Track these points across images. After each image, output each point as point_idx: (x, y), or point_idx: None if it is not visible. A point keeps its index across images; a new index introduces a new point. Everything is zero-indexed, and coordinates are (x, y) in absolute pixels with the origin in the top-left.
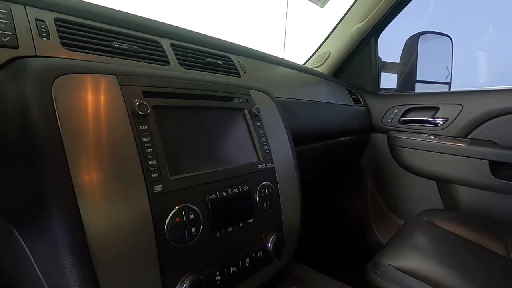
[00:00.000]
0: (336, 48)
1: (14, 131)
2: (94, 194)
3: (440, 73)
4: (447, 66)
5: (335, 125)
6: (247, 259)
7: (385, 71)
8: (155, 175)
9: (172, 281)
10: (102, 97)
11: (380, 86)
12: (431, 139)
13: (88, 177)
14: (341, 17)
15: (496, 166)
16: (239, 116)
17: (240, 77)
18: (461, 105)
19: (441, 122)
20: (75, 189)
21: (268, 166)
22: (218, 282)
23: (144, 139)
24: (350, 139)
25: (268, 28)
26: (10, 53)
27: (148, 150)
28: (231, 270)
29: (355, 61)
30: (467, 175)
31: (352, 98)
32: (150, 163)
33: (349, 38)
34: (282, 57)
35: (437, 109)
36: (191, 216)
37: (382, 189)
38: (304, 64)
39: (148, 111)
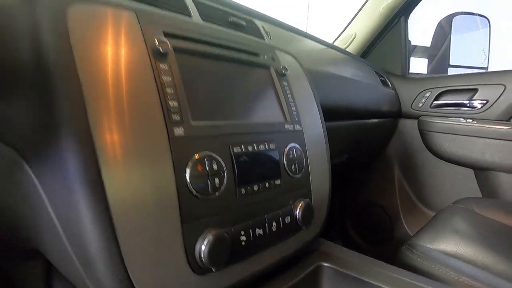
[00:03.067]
0: (363, 29)
1: (26, 55)
2: (110, 126)
3: (476, 57)
4: (483, 50)
5: (364, 104)
6: (274, 223)
7: (414, 56)
8: (176, 118)
9: (193, 234)
10: (119, 31)
11: (410, 72)
12: (469, 122)
13: (104, 107)
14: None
15: None
16: (264, 73)
17: (264, 40)
18: (504, 85)
19: (480, 105)
20: (89, 118)
21: (296, 128)
22: (243, 244)
23: (164, 78)
24: (378, 123)
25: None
26: None
27: (169, 90)
28: (257, 233)
29: (383, 42)
30: (510, 161)
31: (381, 80)
32: (170, 103)
33: (377, 17)
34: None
35: (475, 90)
36: (215, 167)
37: (411, 178)
38: (334, 41)
39: (168, 49)
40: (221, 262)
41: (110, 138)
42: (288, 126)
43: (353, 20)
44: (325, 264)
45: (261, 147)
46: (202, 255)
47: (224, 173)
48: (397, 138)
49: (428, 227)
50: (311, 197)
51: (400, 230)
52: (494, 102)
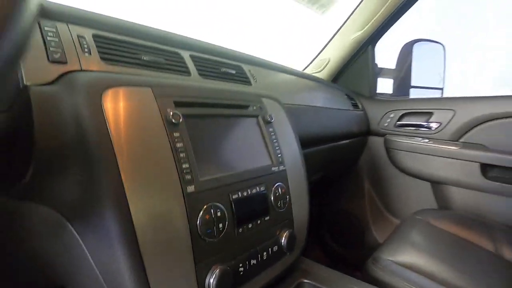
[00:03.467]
0: (336, 55)
1: (72, 138)
2: (140, 192)
3: (433, 79)
4: (439, 72)
5: (336, 129)
6: (264, 253)
7: (381, 77)
8: (188, 177)
9: (203, 271)
10: (141, 108)
11: (377, 91)
12: (426, 142)
13: (135, 177)
14: (340, 25)
15: (486, 168)
16: (254, 123)
17: (251, 85)
18: (453, 110)
19: (435, 126)
20: (125, 187)
21: (280, 169)
22: (241, 273)
23: (178, 145)
24: (350, 142)
25: (268, 34)
26: (61, 68)
27: (181, 155)
28: (252, 263)
29: (353, 67)
30: (459, 177)
31: (351, 103)
32: (183, 166)
33: (348, 46)
34: (284, 64)
35: (431, 114)
36: (218, 214)
37: (379, 190)
38: (304, 69)
39: (180, 120)
40: None
41: (141, 202)
42: (274, 168)
43: (327, 47)
44: (306, 281)
45: (254, 190)
46: (211, 286)
47: (226, 218)
48: (366, 154)
49: (390, 240)
50: (293, 226)
51: (369, 235)
52: (446, 125)
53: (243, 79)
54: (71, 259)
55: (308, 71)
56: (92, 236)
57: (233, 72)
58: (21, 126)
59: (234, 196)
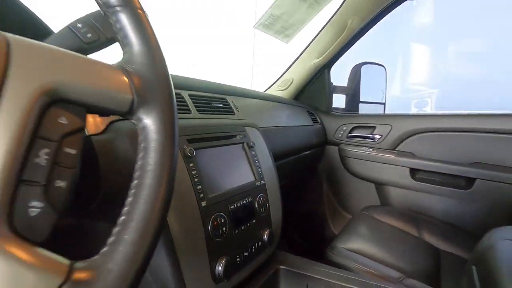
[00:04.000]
0: (298, 76)
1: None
2: (173, 209)
3: (377, 95)
4: (382, 90)
5: (300, 143)
6: (253, 247)
7: (336, 93)
8: (201, 195)
9: (214, 262)
10: None
11: (333, 106)
12: (370, 151)
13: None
14: (301, 50)
15: (414, 172)
16: (240, 148)
17: (234, 114)
18: (391, 125)
19: (377, 138)
20: (168, 219)
21: (261, 183)
22: (238, 263)
23: (193, 172)
24: (310, 152)
25: (238, 58)
26: (108, 119)
27: (196, 180)
28: (244, 254)
29: (313, 86)
30: (394, 179)
31: (311, 118)
32: (198, 187)
33: (308, 69)
34: (257, 90)
35: (374, 127)
36: (222, 220)
37: (335, 191)
38: (270, 86)
39: (193, 153)
40: (228, 275)
41: (174, 216)
42: (257, 183)
43: (290, 69)
44: (281, 267)
45: (244, 201)
46: (220, 273)
47: (227, 223)
48: (324, 161)
49: (343, 232)
50: (271, 226)
51: (328, 229)
52: (386, 137)
53: (229, 110)
54: None
55: (274, 88)
56: None
57: (221, 105)
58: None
59: (232, 207)
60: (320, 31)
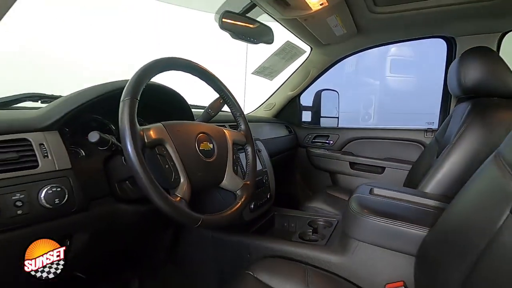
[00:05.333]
0: (278, 101)
1: None
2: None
3: (332, 112)
4: (336, 108)
5: (280, 148)
6: (263, 199)
7: (305, 110)
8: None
9: (251, 203)
10: None
11: (302, 120)
12: (326, 152)
13: None
14: (280, 84)
15: (352, 164)
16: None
17: None
18: (338, 134)
19: (331, 142)
20: None
21: (265, 169)
22: (258, 205)
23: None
24: (288, 153)
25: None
26: None
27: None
28: (259, 203)
29: (288, 107)
30: (341, 169)
31: (288, 130)
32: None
33: (285, 98)
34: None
35: (328, 136)
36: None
37: (304, 178)
38: (259, 107)
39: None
40: (255, 210)
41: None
42: (264, 169)
43: (273, 95)
44: (276, 213)
45: (259, 178)
46: (252, 207)
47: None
48: (297, 158)
49: (308, 203)
50: (270, 191)
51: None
52: (335, 142)
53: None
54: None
55: (262, 108)
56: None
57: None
58: None
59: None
60: (293, 73)
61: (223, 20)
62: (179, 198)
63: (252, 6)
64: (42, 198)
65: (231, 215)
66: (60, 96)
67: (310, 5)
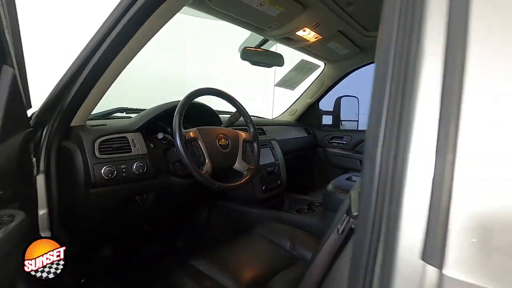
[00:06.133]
0: (300, 107)
1: None
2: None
3: (352, 116)
4: (356, 112)
5: (296, 146)
6: (275, 184)
7: (325, 115)
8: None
9: (264, 185)
10: None
11: (323, 123)
12: (340, 150)
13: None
14: (301, 93)
15: (361, 162)
16: (269, 149)
17: (266, 134)
18: (351, 136)
19: (345, 142)
20: None
21: (278, 162)
22: (270, 188)
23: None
24: (308, 151)
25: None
26: None
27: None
28: (271, 186)
29: (309, 112)
30: (352, 165)
31: (306, 132)
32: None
33: (305, 104)
34: (275, 117)
35: (342, 137)
36: (265, 174)
37: (321, 174)
38: (284, 112)
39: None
40: (267, 191)
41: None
42: (276, 162)
43: (295, 102)
44: (285, 196)
45: (271, 168)
46: (265, 189)
47: (267, 175)
48: (316, 157)
49: (323, 192)
50: (281, 178)
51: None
52: (348, 142)
53: (263, 133)
54: None
55: (286, 113)
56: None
57: (261, 131)
58: None
59: (268, 169)
60: (311, 84)
61: (244, 53)
62: (204, 171)
63: (265, 40)
64: (134, 168)
65: (237, 185)
66: (137, 109)
67: (307, 39)
